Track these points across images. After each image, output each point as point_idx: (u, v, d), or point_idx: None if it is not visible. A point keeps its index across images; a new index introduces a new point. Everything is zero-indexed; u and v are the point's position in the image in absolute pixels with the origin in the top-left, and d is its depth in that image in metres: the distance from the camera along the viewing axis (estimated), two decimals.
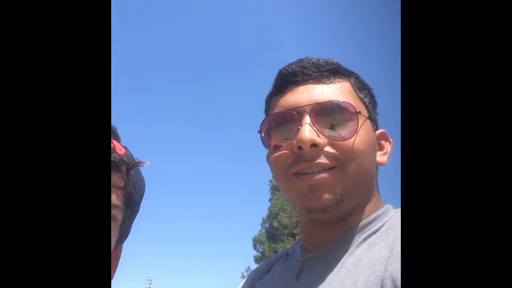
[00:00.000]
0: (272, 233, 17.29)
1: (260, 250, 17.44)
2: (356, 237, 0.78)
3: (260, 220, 17.92)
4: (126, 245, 0.87)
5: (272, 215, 16.97)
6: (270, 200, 18.11)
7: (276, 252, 15.63)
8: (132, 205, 0.79)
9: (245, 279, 1.02)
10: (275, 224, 16.72)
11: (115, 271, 0.85)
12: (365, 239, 0.77)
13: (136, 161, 0.78)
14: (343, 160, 0.77)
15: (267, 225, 17.69)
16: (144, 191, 0.84)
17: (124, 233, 0.81)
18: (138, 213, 0.83)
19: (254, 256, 17.59)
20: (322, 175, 0.76)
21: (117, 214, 0.74)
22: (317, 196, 0.77)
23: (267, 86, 0.92)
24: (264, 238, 17.43)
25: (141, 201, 0.83)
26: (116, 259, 0.85)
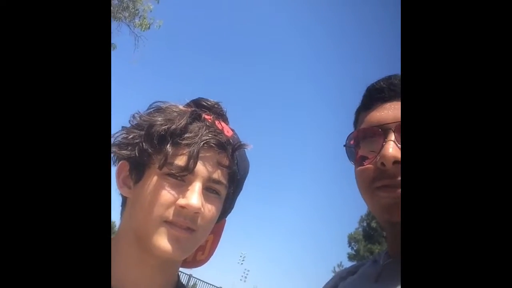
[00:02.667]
0: (369, 233, 16.66)
1: (354, 248, 16.98)
2: None
3: (358, 218, 17.40)
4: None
5: (371, 214, 16.31)
6: None
7: (371, 252, 15.15)
8: (235, 183, 0.84)
9: (334, 276, 1.04)
10: (374, 224, 16.05)
11: (218, 241, 0.92)
12: None
13: (241, 143, 0.84)
14: None
15: (364, 224, 17.09)
16: (247, 172, 0.89)
17: (227, 208, 0.86)
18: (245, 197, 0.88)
19: (348, 253, 17.22)
20: None
21: (221, 189, 0.79)
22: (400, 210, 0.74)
23: None
24: (360, 237, 16.88)
25: (244, 180, 0.88)
26: (220, 229, 0.91)
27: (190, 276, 18.10)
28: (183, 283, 0.88)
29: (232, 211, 0.90)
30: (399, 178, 0.77)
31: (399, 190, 0.76)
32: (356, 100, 0.93)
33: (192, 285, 18.68)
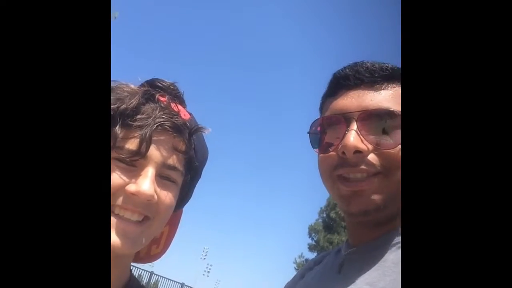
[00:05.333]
0: (329, 223, 17.10)
1: (315, 239, 17.37)
2: (398, 238, 0.77)
3: (318, 209, 17.79)
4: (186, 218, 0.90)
5: (330, 206, 16.75)
6: None
7: (331, 243, 15.56)
8: (193, 170, 0.78)
9: (302, 267, 1.08)
10: (333, 215, 16.49)
11: (174, 232, 0.87)
12: None
13: (199, 126, 0.78)
14: (387, 167, 0.77)
15: (324, 215, 17.51)
16: (206, 158, 0.84)
17: (184, 197, 0.81)
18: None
19: (309, 244, 17.60)
20: (365, 181, 0.77)
21: (176, 177, 0.74)
22: (358, 202, 0.77)
23: None
24: (321, 228, 17.29)
25: (202, 167, 0.83)
26: (176, 220, 0.86)
27: (151, 273, 17.79)
28: (144, 281, 0.84)
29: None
30: (361, 167, 0.77)
31: (359, 184, 0.77)
32: None
33: (154, 283, 18.37)
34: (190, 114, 0.79)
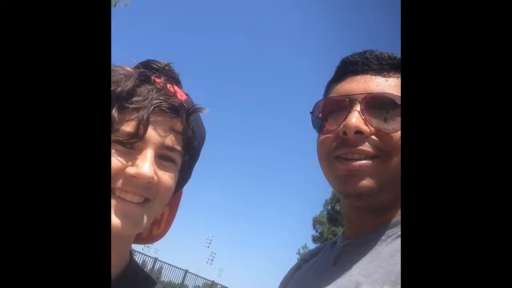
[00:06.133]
0: (333, 216, 17.14)
1: (319, 231, 17.44)
2: (394, 230, 0.77)
3: (323, 201, 17.81)
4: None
5: (335, 198, 16.76)
6: None
7: (334, 235, 15.57)
8: (191, 150, 0.78)
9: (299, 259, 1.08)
10: (338, 207, 16.52)
11: (175, 213, 0.87)
12: None
13: (197, 107, 0.77)
14: (386, 151, 0.77)
15: (329, 207, 17.55)
16: (204, 139, 0.84)
17: (183, 177, 0.81)
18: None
19: (312, 236, 17.66)
20: (363, 162, 0.77)
21: (175, 157, 0.74)
22: (354, 182, 0.78)
23: None
24: (325, 220, 17.35)
25: (201, 147, 0.83)
26: (176, 201, 0.86)
27: (155, 259, 18.02)
28: (148, 267, 0.84)
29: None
30: (359, 147, 0.78)
31: (356, 163, 0.77)
32: None
33: (158, 269, 18.61)
34: (186, 94, 0.79)
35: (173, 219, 0.88)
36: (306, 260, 1.00)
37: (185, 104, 0.75)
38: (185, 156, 0.77)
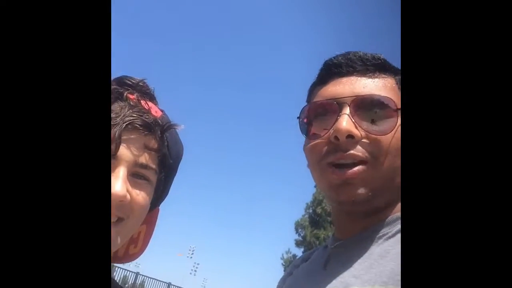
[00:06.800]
0: (315, 219, 17.22)
1: (301, 235, 17.48)
2: (385, 230, 0.77)
3: (304, 205, 17.90)
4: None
5: (316, 201, 16.87)
6: (315, 186, 17.97)
7: (317, 238, 15.70)
8: (167, 167, 0.77)
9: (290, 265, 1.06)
10: (319, 210, 16.63)
11: (152, 231, 0.86)
12: (395, 233, 0.75)
13: (171, 123, 0.77)
14: (377, 155, 0.76)
15: (310, 210, 17.64)
16: (181, 155, 0.82)
17: (160, 195, 0.80)
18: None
19: (295, 240, 17.70)
20: (355, 170, 0.75)
21: (150, 175, 0.73)
22: (348, 190, 0.76)
23: None
24: (307, 223, 17.40)
25: (177, 164, 0.82)
26: (153, 219, 0.85)
27: (137, 274, 17.63)
28: (130, 282, 0.83)
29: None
30: (351, 152, 0.76)
31: (349, 172, 0.76)
32: None
33: (140, 283, 18.20)
34: (162, 111, 0.78)
35: (150, 237, 0.86)
36: (297, 266, 0.99)
37: (159, 121, 0.74)
38: (160, 173, 0.76)
